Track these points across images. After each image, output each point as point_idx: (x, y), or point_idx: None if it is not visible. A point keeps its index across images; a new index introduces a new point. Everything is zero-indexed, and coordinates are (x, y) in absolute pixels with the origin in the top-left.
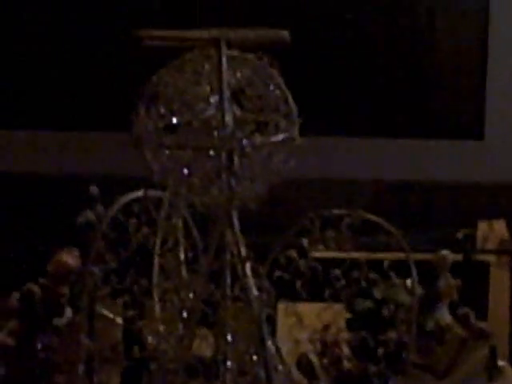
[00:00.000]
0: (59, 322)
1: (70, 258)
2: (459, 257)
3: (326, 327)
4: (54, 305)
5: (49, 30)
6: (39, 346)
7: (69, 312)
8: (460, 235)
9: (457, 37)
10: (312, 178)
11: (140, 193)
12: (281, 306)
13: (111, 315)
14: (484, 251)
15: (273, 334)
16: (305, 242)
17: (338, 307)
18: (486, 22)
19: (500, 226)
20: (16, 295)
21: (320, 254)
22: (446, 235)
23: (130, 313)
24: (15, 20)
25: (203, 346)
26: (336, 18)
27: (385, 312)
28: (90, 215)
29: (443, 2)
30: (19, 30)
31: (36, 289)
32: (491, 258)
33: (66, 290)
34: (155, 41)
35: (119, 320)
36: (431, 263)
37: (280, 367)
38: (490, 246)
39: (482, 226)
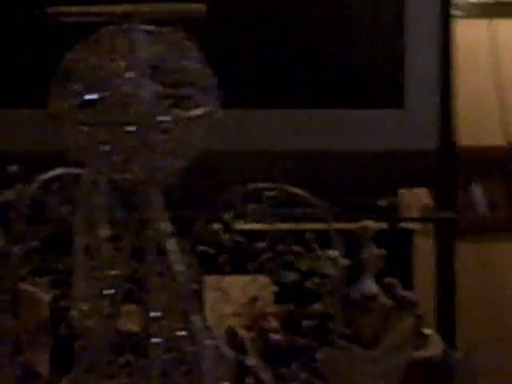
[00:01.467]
0: None
1: None
2: (382, 225)
3: (253, 300)
4: None
5: None
6: None
7: None
8: (383, 203)
9: (375, 4)
10: (232, 151)
11: (58, 171)
12: (207, 280)
13: (35, 290)
14: (408, 219)
15: (200, 308)
16: (227, 215)
17: (264, 280)
18: None
19: (422, 193)
20: None
21: (243, 226)
22: (368, 203)
23: (55, 292)
24: None
25: (130, 323)
26: None
27: (309, 284)
28: (7, 194)
29: None
30: None
31: None
32: (415, 226)
33: None
34: (71, 17)
35: (45, 296)
36: (355, 234)
37: (207, 342)
38: (414, 213)
39: (405, 194)
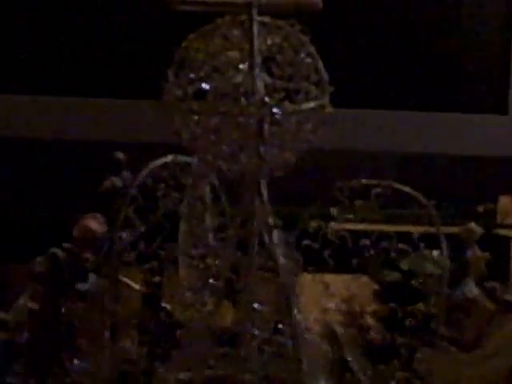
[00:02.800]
0: (83, 287)
1: (94, 224)
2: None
3: (353, 297)
4: (79, 270)
5: None
6: (63, 310)
7: (93, 277)
8: (481, 209)
9: (483, 13)
10: (340, 149)
11: (168, 158)
12: (307, 276)
13: (135, 285)
14: (504, 226)
15: (299, 303)
16: (334, 210)
17: (365, 279)
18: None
19: None
20: (40, 260)
21: (349, 226)
22: (468, 209)
23: (156, 279)
24: None
25: (226, 317)
26: None
27: (413, 283)
28: (115, 181)
29: None
30: None
31: (60, 253)
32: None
33: (90, 255)
34: (186, 6)
35: (138, 287)
36: (458, 236)
37: (306, 336)
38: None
39: (503, 200)
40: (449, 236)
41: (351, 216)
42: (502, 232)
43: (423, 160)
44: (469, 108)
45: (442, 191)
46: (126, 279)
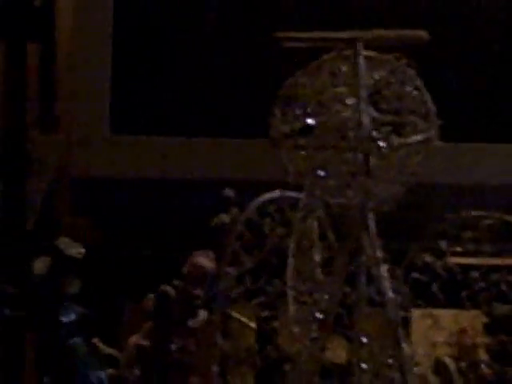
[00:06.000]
0: (193, 323)
1: (205, 261)
2: None
3: (463, 331)
4: (189, 306)
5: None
6: (174, 347)
7: (203, 313)
8: None
9: None
10: (447, 184)
11: (275, 194)
12: (416, 311)
13: (244, 319)
14: None
15: (408, 337)
16: (443, 243)
17: (475, 312)
18: None
19: None
20: (151, 297)
21: (458, 260)
22: None
23: (265, 313)
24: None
25: (335, 352)
26: (474, 20)
27: None
28: (224, 217)
29: None
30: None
31: (171, 290)
32: None
33: (200, 291)
34: (294, 42)
35: (252, 324)
36: None
37: (415, 369)
38: None
39: None
40: None
41: (460, 249)
42: None
43: None
44: None
45: None
46: (236, 314)
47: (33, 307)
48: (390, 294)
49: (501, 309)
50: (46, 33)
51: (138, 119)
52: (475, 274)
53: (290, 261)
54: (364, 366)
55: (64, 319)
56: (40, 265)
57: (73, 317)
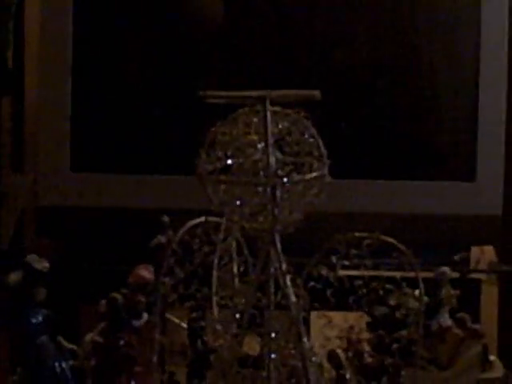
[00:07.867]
0: (137, 323)
1: (146, 273)
2: (456, 274)
3: (351, 328)
4: (134, 310)
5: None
6: (121, 342)
7: (145, 316)
8: (457, 258)
9: (451, 87)
10: (336, 212)
11: (202, 219)
12: (314, 312)
13: (177, 321)
14: (476, 271)
15: (307, 332)
16: (334, 258)
17: (360, 313)
18: (477, 71)
19: (489, 250)
20: (103, 302)
21: (345, 272)
22: (444, 257)
23: (194, 315)
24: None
25: (250, 345)
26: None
27: (398, 315)
28: (161, 238)
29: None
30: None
31: (119, 297)
32: (482, 277)
33: (142, 297)
34: (215, 99)
35: (183, 325)
36: (434, 278)
37: (313, 359)
38: (482, 266)
39: (475, 251)
40: (427, 279)
41: (347, 263)
42: (474, 276)
43: (408, 220)
44: (444, 176)
45: (425, 244)
46: (171, 316)
47: (7, 311)
48: (293, 299)
49: (380, 310)
50: (17, 88)
51: (95, 158)
52: (359, 283)
53: (214, 272)
54: (273, 356)
55: (33, 320)
56: (14, 277)
57: (40, 318)
